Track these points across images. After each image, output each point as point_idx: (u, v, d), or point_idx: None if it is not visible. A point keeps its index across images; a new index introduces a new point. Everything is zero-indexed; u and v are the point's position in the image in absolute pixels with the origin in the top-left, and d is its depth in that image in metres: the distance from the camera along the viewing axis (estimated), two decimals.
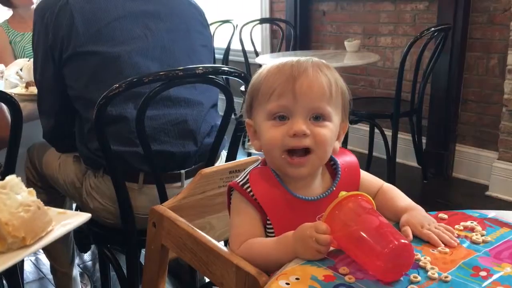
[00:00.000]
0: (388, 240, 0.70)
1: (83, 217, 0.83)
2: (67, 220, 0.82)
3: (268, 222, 0.85)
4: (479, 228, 0.83)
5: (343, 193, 0.77)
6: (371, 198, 0.80)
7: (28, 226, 0.73)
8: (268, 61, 0.89)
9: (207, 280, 1.83)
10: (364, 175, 0.94)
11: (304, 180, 0.87)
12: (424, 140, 3.06)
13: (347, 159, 0.93)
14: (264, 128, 0.85)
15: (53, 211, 0.83)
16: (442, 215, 0.88)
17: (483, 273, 0.71)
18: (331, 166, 0.92)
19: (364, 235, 0.72)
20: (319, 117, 0.83)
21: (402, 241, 0.70)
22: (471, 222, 0.85)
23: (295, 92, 0.81)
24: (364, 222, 0.73)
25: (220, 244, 0.86)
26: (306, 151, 0.83)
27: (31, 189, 0.81)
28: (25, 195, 0.77)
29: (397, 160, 2.91)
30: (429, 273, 0.71)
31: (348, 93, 0.89)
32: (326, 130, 0.83)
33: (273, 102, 0.83)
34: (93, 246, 2.21)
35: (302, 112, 0.82)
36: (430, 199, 2.77)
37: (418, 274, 0.70)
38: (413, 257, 0.72)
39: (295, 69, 0.83)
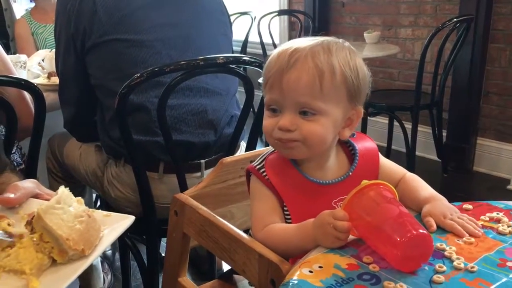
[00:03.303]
0: (406, 230, 0.69)
1: (129, 219, 0.84)
2: (113, 224, 0.83)
3: (284, 205, 0.86)
4: (505, 219, 0.82)
5: (365, 181, 0.77)
6: (393, 188, 0.79)
7: (85, 237, 0.76)
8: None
9: (225, 269, 1.84)
10: (386, 162, 0.93)
11: (317, 162, 0.87)
12: (444, 133, 3.02)
13: (366, 144, 0.93)
14: (264, 115, 0.87)
15: (98, 214, 0.84)
16: (466, 206, 0.87)
17: (510, 264, 0.70)
18: (349, 150, 0.92)
19: (383, 224, 0.71)
20: (307, 112, 0.82)
21: (421, 231, 0.69)
22: (497, 213, 0.84)
23: (282, 87, 0.81)
24: (383, 211, 0.73)
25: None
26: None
27: (79, 198, 0.82)
28: (76, 206, 0.79)
29: (417, 153, 2.88)
30: (454, 263, 0.70)
31: (359, 77, 0.84)
32: (315, 125, 0.82)
33: (267, 94, 0.85)
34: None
35: (290, 106, 0.82)
36: (450, 193, 2.74)
37: (444, 264, 0.70)
38: (431, 247, 0.71)
39: (288, 59, 0.81)
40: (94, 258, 0.76)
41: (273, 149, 0.92)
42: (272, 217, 0.85)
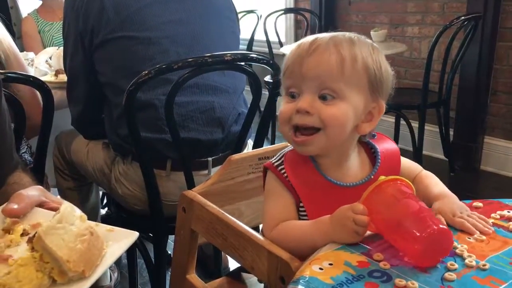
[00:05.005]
0: (427, 225, 0.69)
1: (133, 236, 0.82)
2: (117, 240, 0.82)
3: (301, 205, 0.85)
4: None
5: (382, 177, 0.77)
6: (410, 183, 0.79)
7: (86, 257, 0.74)
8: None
9: (231, 268, 1.84)
10: (405, 162, 0.92)
11: (337, 160, 0.85)
12: (451, 132, 3.01)
13: (387, 146, 0.91)
14: (282, 102, 0.85)
15: (101, 228, 0.83)
16: (477, 203, 0.86)
17: None
18: (371, 153, 0.90)
19: (403, 219, 0.71)
20: (326, 96, 0.80)
21: (442, 226, 0.70)
22: (508, 211, 0.83)
23: (302, 70, 0.80)
24: (403, 206, 0.73)
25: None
26: (315, 129, 0.81)
27: (82, 214, 0.80)
28: (78, 223, 0.77)
29: (424, 152, 2.87)
30: (466, 260, 0.69)
31: (381, 69, 0.83)
32: (334, 109, 0.80)
33: (286, 80, 0.84)
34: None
35: (310, 90, 0.81)
36: (458, 192, 2.66)
37: (455, 262, 0.69)
38: (451, 243, 0.71)
39: (309, 46, 0.81)
40: (95, 279, 0.74)
41: (291, 146, 0.89)
42: (286, 216, 0.84)
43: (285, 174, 0.85)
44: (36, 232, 0.72)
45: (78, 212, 0.79)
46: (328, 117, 0.80)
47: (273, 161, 0.88)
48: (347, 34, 0.84)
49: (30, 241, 0.73)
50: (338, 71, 0.79)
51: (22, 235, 0.79)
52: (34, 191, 0.87)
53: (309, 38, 0.84)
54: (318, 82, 0.80)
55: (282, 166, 0.86)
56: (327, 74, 0.79)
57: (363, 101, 0.82)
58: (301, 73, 0.81)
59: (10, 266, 0.71)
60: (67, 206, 0.78)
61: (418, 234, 0.68)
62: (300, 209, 0.85)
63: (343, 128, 0.82)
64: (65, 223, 0.74)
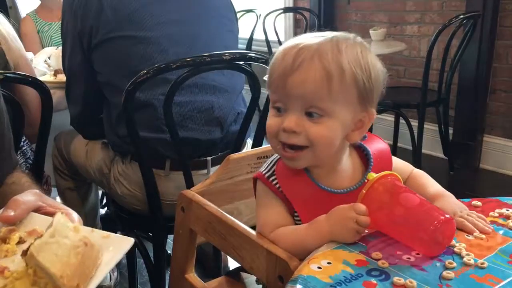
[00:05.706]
0: (434, 217, 0.71)
1: (129, 242, 0.80)
2: (112, 249, 0.79)
3: (295, 214, 0.84)
4: None
5: (372, 175, 0.77)
6: (399, 176, 0.79)
7: (80, 270, 0.72)
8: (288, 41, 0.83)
9: (231, 267, 1.84)
10: (396, 161, 0.92)
11: (329, 167, 0.84)
12: (451, 131, 3.01)
13: (378, 146, 0.90)
14: (269, 114, 0.83)
15: (97, 236, 0.80)
16: (476, 202, 0.86)
17: None
18: (364, 154, 0.89)
19: (408, 213, 0.73)
20: (313, 114, 0.77)
21: (447, 216, 0.72)
22: (507, 210, 0.83)
23: (287, 88, 0.77)
24: (404, 201, 0.74)
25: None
26: (303, 146, 0.79)
27: (76, 224, 0.78)
28: (72, 235, 0.74)
29: (423, 151, 2.87)
30: (464, 259, 0.69)
31: (371, 78, 0.79)
32: (321, 128, 0.78)
33: (271, 93, 0.82)
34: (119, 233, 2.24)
35: (296, 107, 0.78)
36: (457, 191, 2.67)
37: (453, 260, 0.69)
38: (455, 230, 0.73)
39: (293, 61, 0.77)
40: None
41: None
42: (281, 222, 0.82)
43: (278, 185, 0.83)
44: (30, 246, 0.70)
45: (75, 218, 0.78)
46: (316, 136, 0.78)
47: (263, 172, 0.86)
48: (334, 38, 0.79)
49: (24, 254, 0.72)
50: (325, 89, 0.76)
51: (18, 243, 0.78)
52: (30, 196, 0.86)
53: (294, 46, 0.79)
54: (303, 101, 0.77)
55: (274, 177, 0.84)
56: (312, 93, 0.76)
57: (351, 114, 0.80)
58: (286, 91, 0.78)
59: (6, 279, 0.70)
60: (60, 218, 0.75)
61: (426, 227, 0.70)
62: (296, 218, 0.84)
63: (331, 145, 0.80)
64: (58, 237, 0.72)
